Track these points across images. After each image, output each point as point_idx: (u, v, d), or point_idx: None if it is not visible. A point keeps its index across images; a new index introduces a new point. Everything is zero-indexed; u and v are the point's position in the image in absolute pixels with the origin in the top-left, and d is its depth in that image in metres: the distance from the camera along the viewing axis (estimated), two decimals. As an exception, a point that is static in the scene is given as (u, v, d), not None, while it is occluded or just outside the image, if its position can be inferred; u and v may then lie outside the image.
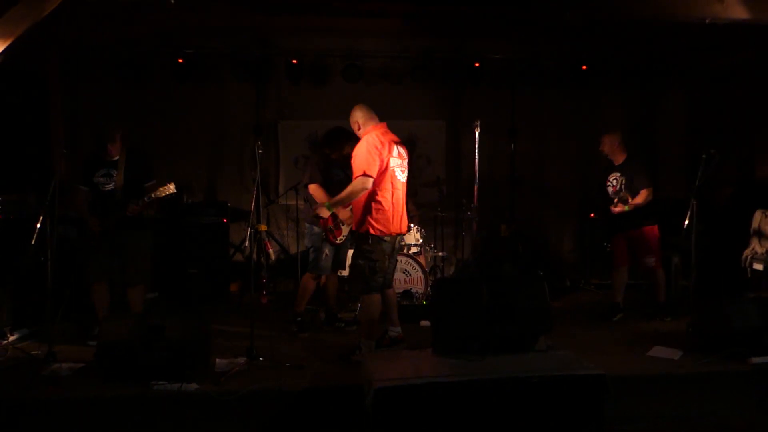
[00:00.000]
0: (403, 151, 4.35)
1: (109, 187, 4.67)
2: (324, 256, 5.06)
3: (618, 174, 5.54)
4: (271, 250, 6.68)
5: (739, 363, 4.03)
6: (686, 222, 4.91)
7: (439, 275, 6.42)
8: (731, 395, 3.93)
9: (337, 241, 5.04)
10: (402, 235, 4.43)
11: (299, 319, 5.12)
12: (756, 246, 5.99)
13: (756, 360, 4.02)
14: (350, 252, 6.14)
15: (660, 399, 3.88)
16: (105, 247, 4.66)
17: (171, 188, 4.59)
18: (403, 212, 4.33)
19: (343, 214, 4.93)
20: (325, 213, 4.42)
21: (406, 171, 4.39)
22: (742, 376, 3.98)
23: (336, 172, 5.09)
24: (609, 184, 5.59)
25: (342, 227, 5.01)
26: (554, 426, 3.38)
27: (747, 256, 6.02)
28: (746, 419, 3.79)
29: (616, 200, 5.34)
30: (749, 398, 3.89)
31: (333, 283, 5.34)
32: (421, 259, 6.15)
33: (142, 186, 4.73)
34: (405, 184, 4.38)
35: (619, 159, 5.56)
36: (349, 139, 5.10)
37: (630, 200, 5.26)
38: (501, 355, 3.67)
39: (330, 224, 4.93)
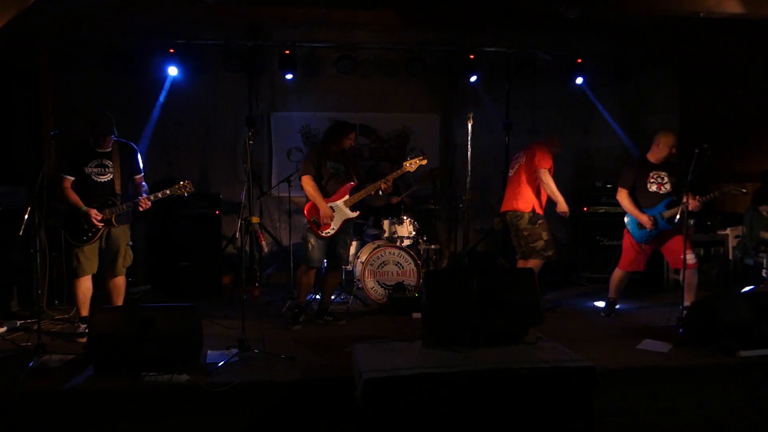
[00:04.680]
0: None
1: (105, 178, 4.63)
2: (310, 246, 5.04)
3: (665, 173, 5.23)
4: (263, 243, 6.66)
5: (728, 356, 4.06)
6: (677, 216, 4.93)
7: (431, 268, 6.42)
8: (720, 388, 3.95)
9: (323, 234, 5.03)
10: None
11: (297, 311, 5.13)
12: (747, 241, 6.03)
13: (744, 353, 4.05)
14: (352, 249, 6.18)
15: (649, 392, 3.90)
16: (100, 239, 4.62)
17: (189, 187, 4.66)
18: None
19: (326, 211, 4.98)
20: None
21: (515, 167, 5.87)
22: (730, 369, 4.01)
23: (331, 165, 5.09)
24: (652, 181, 5.25)
25: (330, 222, 5.02)
26: (543, 418, 3.39)
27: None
28: (734, 412, 3.81)
29: (702, 199, 4.97)
30: (738, 391, 3.90)
31: (332, 278, 5.29)
32: (414, 252, 6.16)
33: (132, 178, 4.75)
34: (511, 178, 5.88)
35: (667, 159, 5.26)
36: (349, 134, 5.12)
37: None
38: (491, 347, 3.68)
39: (314, 216, 4.98)
